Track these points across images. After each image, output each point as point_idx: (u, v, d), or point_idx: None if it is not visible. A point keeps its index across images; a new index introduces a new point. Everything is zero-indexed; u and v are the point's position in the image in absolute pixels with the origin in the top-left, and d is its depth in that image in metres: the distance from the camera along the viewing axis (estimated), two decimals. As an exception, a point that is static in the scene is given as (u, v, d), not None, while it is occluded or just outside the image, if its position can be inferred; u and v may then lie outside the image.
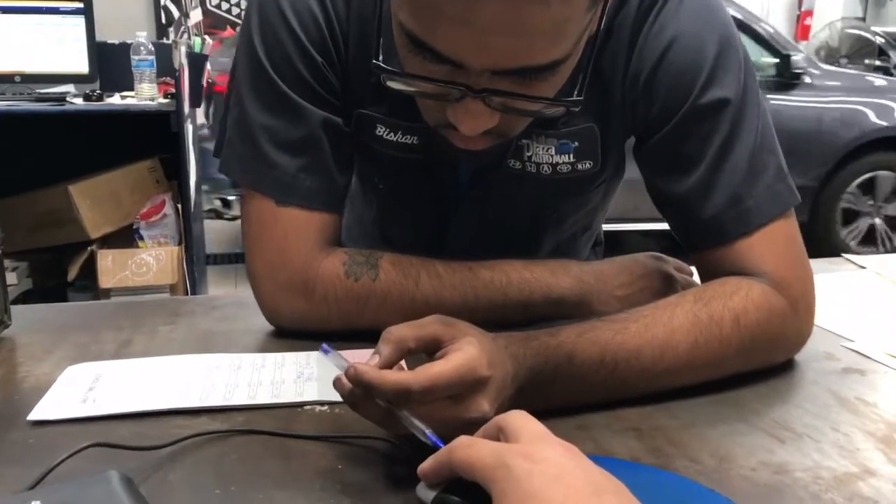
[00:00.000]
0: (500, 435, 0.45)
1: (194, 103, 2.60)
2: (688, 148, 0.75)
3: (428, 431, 0.50)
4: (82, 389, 0.67)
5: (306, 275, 0.76)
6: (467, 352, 0.54)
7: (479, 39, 0.55)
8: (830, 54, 5.73)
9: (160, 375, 0.70)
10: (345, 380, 0.54)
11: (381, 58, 0.63)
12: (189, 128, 2.52)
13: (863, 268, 1.10)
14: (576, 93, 0.64)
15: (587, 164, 0.82)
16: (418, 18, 0.57)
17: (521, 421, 0.45)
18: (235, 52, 0.79)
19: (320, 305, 0.77)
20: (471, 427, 0.53)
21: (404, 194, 0.88)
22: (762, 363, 0.72)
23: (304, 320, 0.78)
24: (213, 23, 5.26)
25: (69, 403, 0.64)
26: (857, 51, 5.64)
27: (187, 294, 2.48)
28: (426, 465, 0.46)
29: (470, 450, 0.43)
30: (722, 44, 0.74)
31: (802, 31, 6.24)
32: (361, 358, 0.54)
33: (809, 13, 6.22)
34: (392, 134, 0.80)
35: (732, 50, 0.75)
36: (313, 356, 0.74)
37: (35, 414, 0.62)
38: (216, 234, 4.07)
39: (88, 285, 2.47)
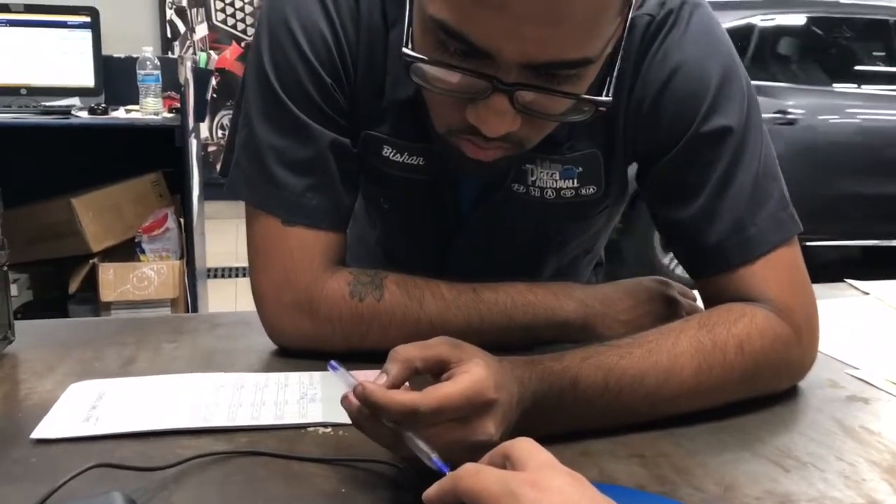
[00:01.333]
0: (506, 462, 0.45)
1: (198, 118, 2.61)
2: (690, 175, 0.75)
3: (433, 456, 0.50)
4: (85, 407, 0.67)
5: (311, 294, 0.76)
6: (475, 374, 0.54)
7: (514, 27, 0.55)
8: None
9: (164, 394, 0.70)
10: (352, 397, 0.54)
11: (410, 46, 0.62)
12: (193, 142, 2.53)
13: (866, 293, 1.11)
14: (604, 93, 0.64)
15: (591, 190, 0.82)
16: (453, 5, 0.57)
17: (527, 449, 0.45)
18: (244, 71, 0.80)
19: (324, 325, 0.77)
20: (476, 450, 0.53)
21: (408, 214, 0.89)
22: (766, 390, 0.72)
23: (308, 340, 0.78)
24: (218, 38, 5.29)
25: (72, 422, 0.64)
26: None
27: (188, 308, 2.47)
28: (431, 492, 0.46)
29: (476, 477, 0.43)
30: (725, 72, 0.75)
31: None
32: (368, 378, 0.54)
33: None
34: (398, 155, 0.80)
35: (735, 78, 0.76)
36: (317, 376, 0.74)
37: (38, 432, 0.62)
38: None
39: (89, 298, 2.47)
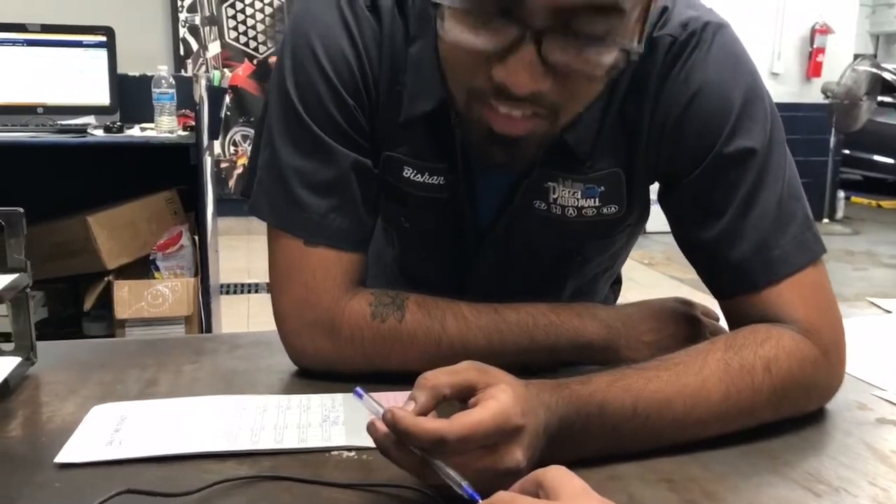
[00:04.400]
0: (539, 491, 0.45)
1: (212, 135, 2.62)
2: (713, 197, 0.75)
3: (464, 484, 0.49)
4: (108, 431, 0.67)
5: (332, 315, 0.76)
6: (502, 400, 0.54)
7: None
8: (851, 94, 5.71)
9: (186, 417, 0.69)
10: (379, 424, 0.53)
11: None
12: (207, 159, 2.54)
13: (888, 312, 1.09)
14: (636, 43, 0.63)
15: (612, 209, 0.82)
16: None
17: (561, 477, 0.45)
18: (266, 93, 0.80)
19: (346, 346, 0.76)
20: (504, 478, 0.52)
21: (428, 234, 0.88)
22: (793, 412, 0.71)
23: (329, 361, 0.78)
24: (230, 56, 5.34)
25: (95, 446, 0.64)
26: (873, 88, 5.65)
27: (202, 325, 2.48)
28: None
29: None
30: (748, 94, 0.75)
31: (814, 69, 6.27)
32: (394, 402, 0.54)
33: (821, 50, 6.25)
34: (419, 175, 0.80)
35: (758, 100, 0.75)
36: (339, 398, 0.73)
37: (62, 457, 0.62)
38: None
39: (104, 315, 2.48)
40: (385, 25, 0.76)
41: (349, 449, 0.65)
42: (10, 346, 0.79)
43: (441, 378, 0.55)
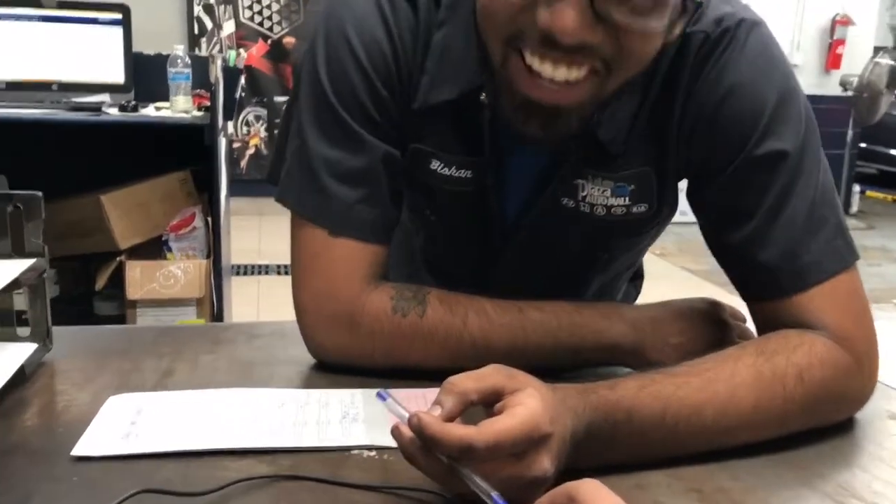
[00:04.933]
0: None
1: (227, 116, 2.60)
2: (742, 199, 0.73)
3: (494, 494, 0.48)
4: (125, 423, 0.66)
5: (353, 308, 0.75)
6: (530, 406, 0.52)
7: None
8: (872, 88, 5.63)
9: (203, 411, 0.68)
10: (404, 428, 0.52)
11: None
12: (221, 140, 2.52)
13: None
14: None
15: (642, 208, 0.80)
16: None
17: (593, 491, 0.43)
18: (297, 76, 0.78)
19: (365, 341, 0.75)
20: (530, 487, 0.51)
21: (453, 227, 0.87)
22: (824, 421, 0.69)
23: (349, 355, 0.76)
24: (245, 35, 5.30)
25: (112, 439, 0.63)
26: (892, 81, 5.57)
27: (213, 307, 2.47)
28: None
29: None
30: (781, 95, 0.73)
31: (833, 61, 6.19)
32: (417, 403, 0.53)
33: (841, 42, 6.17)
34: (446, 168, 0.79)
35: (793, 102, 0.73)
36: (358, 395, 0.72)
37: (78, 450, 0.61)
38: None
39: (115, 295, 2.47)
40: (421, 15, 0.74)
41: (370, 448, 0.63)
42: (24, 331, 0.78)
43: (468, 383, 0.53)
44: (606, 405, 0.59)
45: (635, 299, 1.12)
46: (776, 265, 0.72)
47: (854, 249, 0.74)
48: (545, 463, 0.52)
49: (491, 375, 0.55)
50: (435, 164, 0.78)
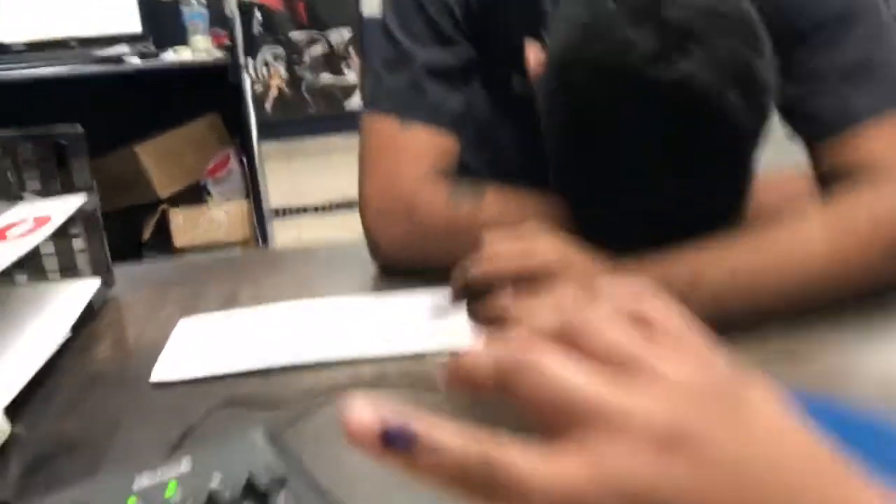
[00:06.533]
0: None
1: (248, 52, 2.56)
2: (801, 50, 0.70)
3: None
4: (198, 346, 0.65)
5: (412, 199, 0.73)
6: None
7: None
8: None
9: (275, 326, 0.67)
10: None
11: None
12: (246, 78, 2.48)
13: None
14: None
15: None
16: None
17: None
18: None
19: (418, 232, 0.73)
20: None
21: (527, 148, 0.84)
22: None
23: (405, 250, 0.75)
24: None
25: (188, 362, 0.62)
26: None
27: (259, 248, 2.48)
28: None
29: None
30: None
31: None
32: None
33: None
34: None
35: None
36: (426, 300, 0.70)
37: (156, 376, 0.61)
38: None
39: (162, 244, 2.50)
40: None
41: (446, 353, 0.62)
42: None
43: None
44: (667, 277, 0.57)
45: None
46: (830, 103, 0.69)
47: None
48: None
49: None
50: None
